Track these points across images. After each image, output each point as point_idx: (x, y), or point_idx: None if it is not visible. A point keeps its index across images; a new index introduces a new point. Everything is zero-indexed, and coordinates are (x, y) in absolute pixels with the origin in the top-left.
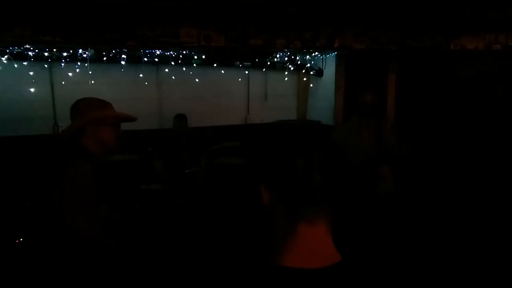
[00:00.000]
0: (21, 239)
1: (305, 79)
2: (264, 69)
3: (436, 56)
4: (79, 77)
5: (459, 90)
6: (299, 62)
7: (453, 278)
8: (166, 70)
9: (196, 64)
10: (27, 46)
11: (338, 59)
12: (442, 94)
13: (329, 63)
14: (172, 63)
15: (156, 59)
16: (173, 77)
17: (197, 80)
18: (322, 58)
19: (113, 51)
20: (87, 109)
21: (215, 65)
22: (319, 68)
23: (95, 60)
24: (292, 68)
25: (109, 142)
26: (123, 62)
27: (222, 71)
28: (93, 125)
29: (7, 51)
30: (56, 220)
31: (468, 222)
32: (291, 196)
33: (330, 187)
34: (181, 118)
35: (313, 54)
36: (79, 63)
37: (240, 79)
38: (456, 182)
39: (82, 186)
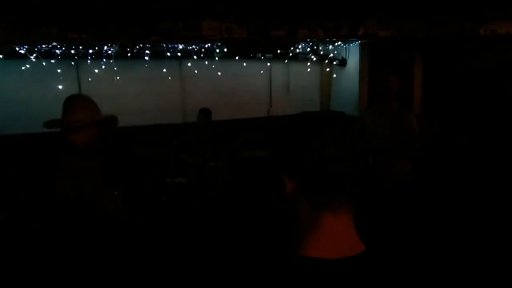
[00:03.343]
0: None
1: (328, 69)
2: (286, 61)
3: (464, 42)
4: (104, 74)
5: (487, 78)
6: (321, 53)
7: (476, 270)
8: (189, 64)
9: (218, 58)
10: (55, 44)
11: (362, 48)
12: (470, 82)
13: (352, 53)
14: (195, 57)
15: (179, 54)
16: (195, 71)
17: (219, 73)
18: (345, 47)
19: (137, 47)
20: (68, 111)
21: (237, 58)
22: (342, 58)
23: (119, 56)
24: (314, 59)
25: (84, 143)
26: (146, 58)
27: (244, 64)
28: (73, 127)
29: (36, 49)
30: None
31: (490, 215)
32: (314, 186)
33: (353, 177)
34: (205, 112)
35: (336, 44)
36: (104, 60)
37: (262, 71)
38: (481, 173)
39: (71, 174)
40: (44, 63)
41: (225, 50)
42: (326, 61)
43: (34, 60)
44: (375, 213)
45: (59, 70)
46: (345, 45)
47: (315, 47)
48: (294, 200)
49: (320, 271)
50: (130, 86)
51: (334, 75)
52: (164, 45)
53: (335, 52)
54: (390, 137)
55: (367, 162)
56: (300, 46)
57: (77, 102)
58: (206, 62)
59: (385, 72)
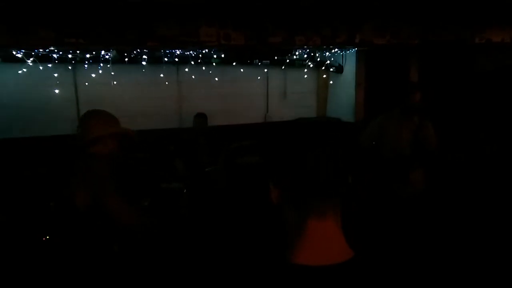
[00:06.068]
0: (47, 237)
1: (324, 76)
2: (283, 67)
3: (460, 50)
4: (102, 78)
5: (483, 84)
6: (318, 59)
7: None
8: (186, 69)
9: (215, 63)
10: (52, 48)
11: (358, 55)
12: (466, 89)
13: (349, 59)
14: (192, 62)
15: (176, 59)
16: (193, 77)
17: (216, 79)
18: (342, 54)
19: (135, 52)
20: (83, 128)
21: (234, 64)
22: (339, 65)
23: (117, 61)
24: (311, 65)
25: (103, 152)
26: (144, 63)
27: (241, 70)
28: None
29: (33, 53)
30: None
31: (492, 222)
32: (298, 189)
33: (337, 179)
34: (201, 117)
35: (333, 51)
36: (101, 64)
37: (259, 77)
38: (479, 180)
39: (89, 178)
40: (41, 67)
41: (223, 56)
42: (323, 67)
43: (31, 64)
44: (380, 221)
45: (56, 74)
46: (341, 51)
47: (312, 54)
48: (280, 206)
49: (307, 279)
50: (127, 91)
51: (331, 82)
52: (162, 51)
53: (332, 58)
54: (410, 147)
55: (353, 168)
56: (297, 53)
57: (91, 118)
58: (204, 68)
59: (413, 83)
